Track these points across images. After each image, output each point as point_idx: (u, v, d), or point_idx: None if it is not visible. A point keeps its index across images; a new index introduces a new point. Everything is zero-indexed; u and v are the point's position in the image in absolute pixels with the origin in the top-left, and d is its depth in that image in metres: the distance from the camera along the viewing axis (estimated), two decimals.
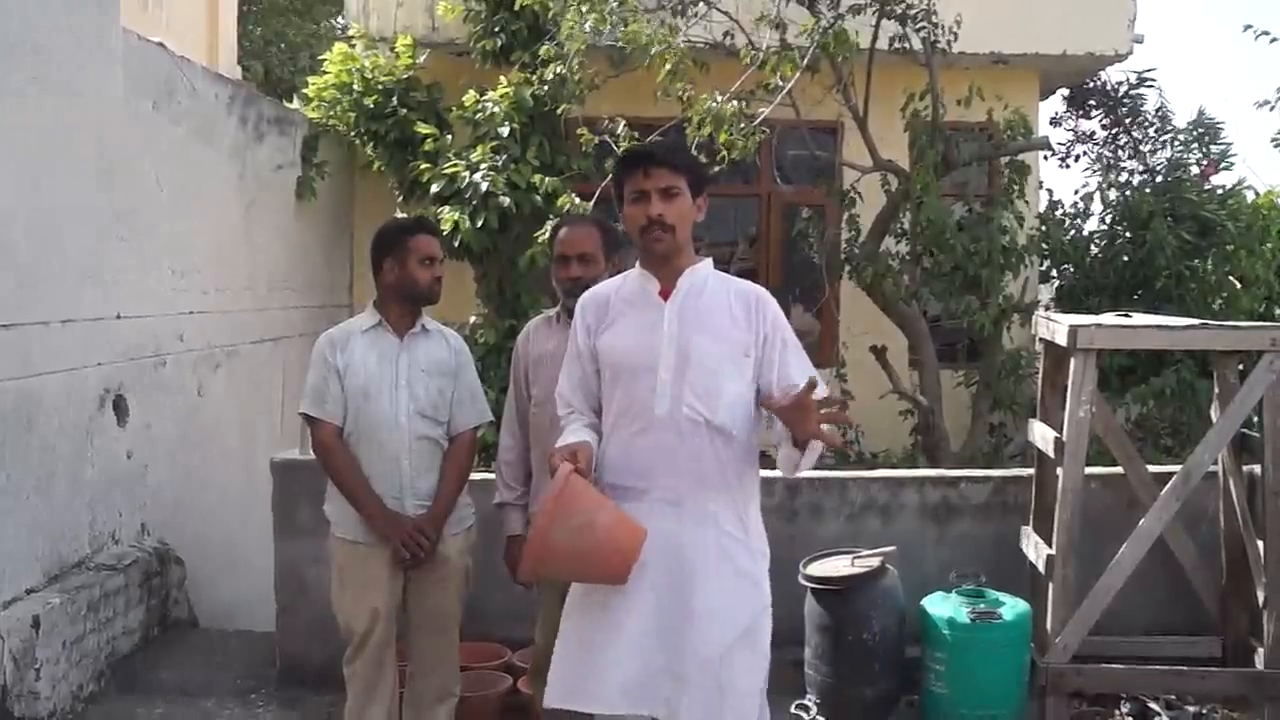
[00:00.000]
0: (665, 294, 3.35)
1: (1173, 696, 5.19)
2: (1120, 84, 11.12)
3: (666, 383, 3.26)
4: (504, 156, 8.56)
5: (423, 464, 4.21)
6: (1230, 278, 9.27)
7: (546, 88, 8.23)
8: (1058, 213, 10.05)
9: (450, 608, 4.32)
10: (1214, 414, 5.26)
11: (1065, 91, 11.51)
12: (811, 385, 3.06)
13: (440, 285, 4.29)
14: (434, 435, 4.24)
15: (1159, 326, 5.24)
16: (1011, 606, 4.98)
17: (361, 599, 4.18)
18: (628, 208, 3.34)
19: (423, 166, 8.68)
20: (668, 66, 7.31)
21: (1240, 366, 5.23)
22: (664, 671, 3.21)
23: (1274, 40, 8.39)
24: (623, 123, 7.63)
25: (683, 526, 3.24)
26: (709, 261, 3.46)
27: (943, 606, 5.02)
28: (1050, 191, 10.23)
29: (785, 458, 3.25)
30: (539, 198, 8.33)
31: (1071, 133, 11.57)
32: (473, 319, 8.80)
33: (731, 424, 3.27)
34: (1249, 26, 8.35)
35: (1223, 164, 10.37)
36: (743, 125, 7.22)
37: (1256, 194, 10.24)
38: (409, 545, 4.10)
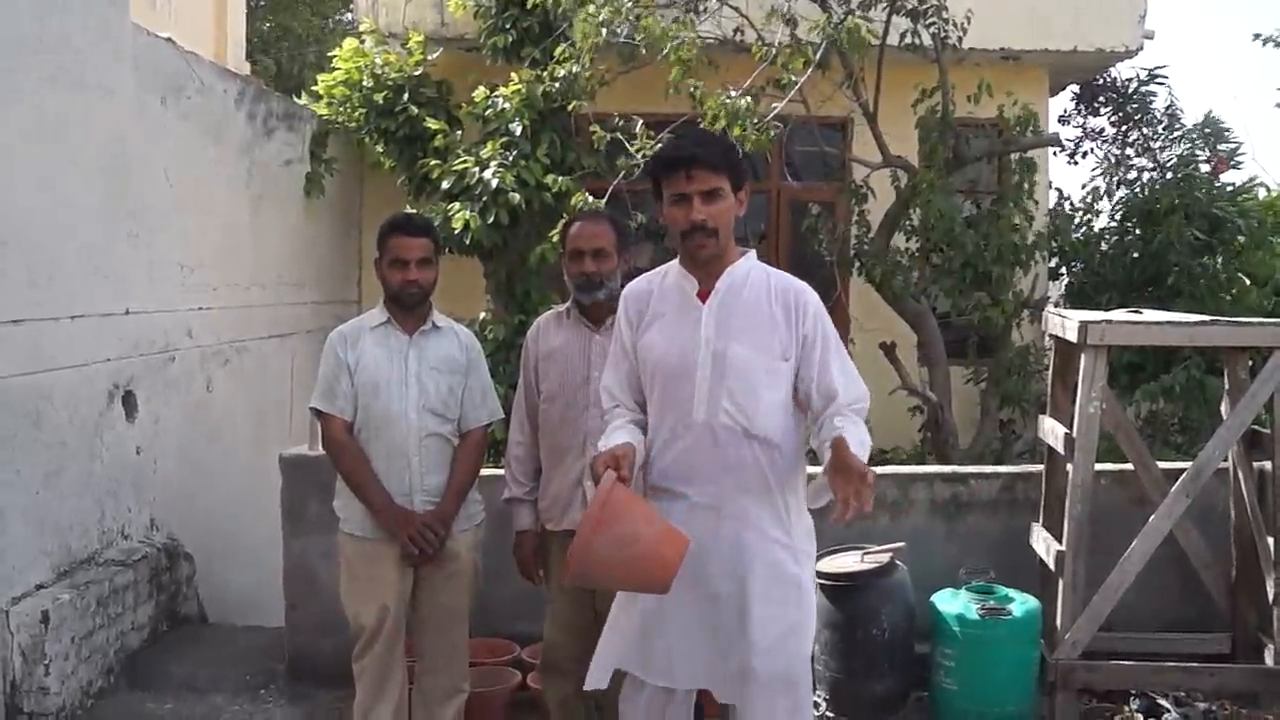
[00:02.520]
0: (704, 295, 3.31)
1: (1182, 693, 5.17)
2: (1130, 81, 11.10)
3: (704, 389, 3.23)
4: (514, 153, 8.55)
5: (432, 461, 4.20)
6: (1240, 274, 9.25)
7: (557, 84, 8.23)
8: (1066, 207, 10.03)
9: (459, 604, 4.31)
10: (1224, 410, 5.25)
11: (1075, 88, 11.48)
12: (841, 445, 2.97)
13: (416, 287, 4.18)
14: (443, 432, 4.23)
15: (1169, 323, 5.23)
16: (1021, 603, 4.97)
17: (370, 595, 4.18)
18: (669, 209, 3.28)
19: (432, 163, 8.68)
20: (681, 59, 7.28)
21: (1250, 363, 5.22)
22: (726, 662, 3.26)
23: None
24: (640, 122, 7.62)
25: (723, 531, 3.22)
26: (752, 255, 3.40)
27: (952, 603, 5.01)
28: (1060, 191, 10.24)
29: (815, 491, 3.26)
30: (549, 195, 8.33)
31: (1080, 129, 11.55)
32: (482, 315, 8.80)
33: (769, 431, 3.24)
34: (1257, 35, 8.35)
35: (1233, 161, 10.34)
36: (756, 120, 7.20)
37: (1268, 190, 10.20)
38: (417, 541, 4.10)
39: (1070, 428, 5.04)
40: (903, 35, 7.82)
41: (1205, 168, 10.20)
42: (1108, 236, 10.05)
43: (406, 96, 9.10)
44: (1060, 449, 5.14)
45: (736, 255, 3.36)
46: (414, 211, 4.20)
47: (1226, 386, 5.23)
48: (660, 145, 3.43)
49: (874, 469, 3.00)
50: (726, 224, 3.27)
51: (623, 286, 3.65)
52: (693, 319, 3.29)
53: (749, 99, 7.28)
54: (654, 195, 3.38)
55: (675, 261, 3.41)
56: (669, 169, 3.27)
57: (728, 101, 7.15)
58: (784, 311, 3.29)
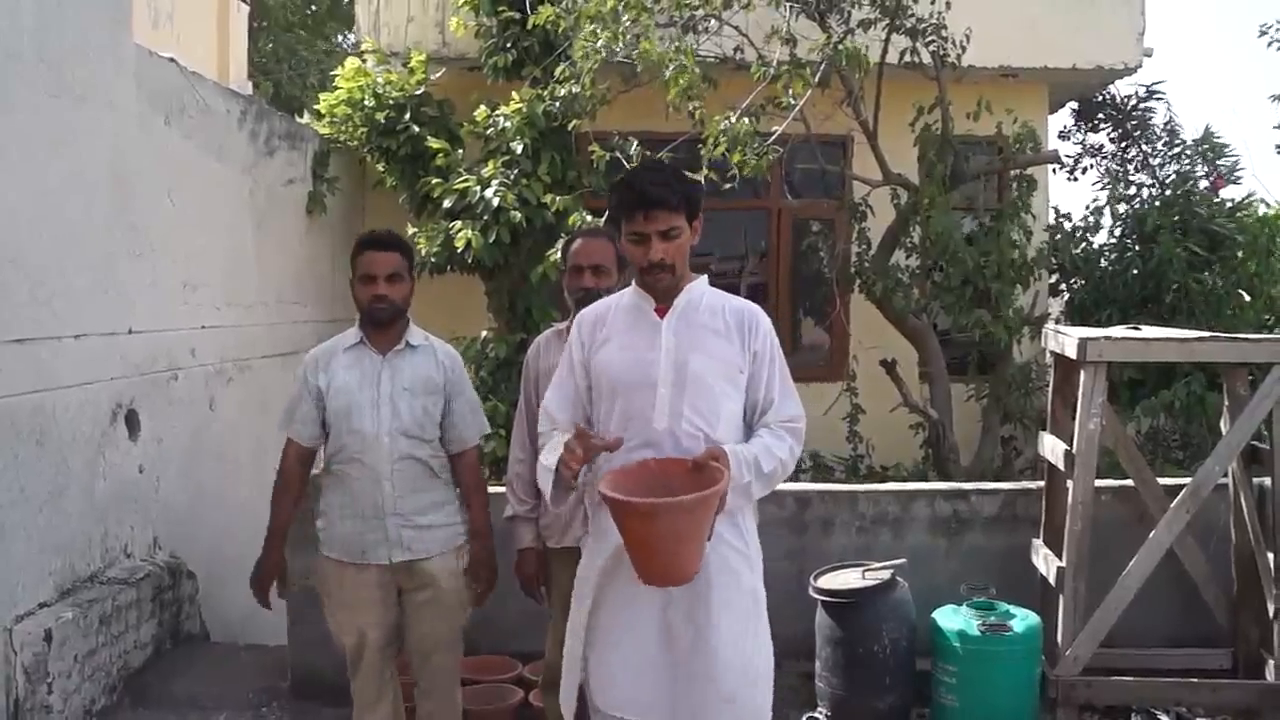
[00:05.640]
0: (661, 312, 3.38)
1: (1183, 709, 5.17)
2: (1129, 97, 11.12)
3: (665, 398, 3.27)
4: (515, 172, 8.58)
5: (407, 485, 4.12)
6: (1239, 290, 9.27)
7: (558, 103, 8.26)
8: (1067, 226, 10.05)
9: (440, 630, 4.24)
10: (1223, 426, 5.26)
11: (1074, 105, 11.51)
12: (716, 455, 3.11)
13: (386, 303, 4.11)
14: (419, 454, 4.14)
15: (1168, 339, 5.25)
16: (1022, 619, 4.98)
17: (348, 617, 4.20)
18: (627, 245, 3.36)
19: (434, 182, 8.71)
20: (680, 83, 7.30)
21: (1250, 378, 5.24)
22: (682, 675, 3.26)
23: None
24: (635, 142, 7.65)
25: None
26: (704, 279, 3.49)
27: (953, 619, 5.02)
28: (1056, 209, 10.25)
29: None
30: (550, 213, 8.36)
31: (1080, 146, 11.58)
32: (484, 333, 8.83)
33: (729, 440, 3.28)
34: (1264, 31, 8.33)
35: (1231, 177, 10.36)
36: (756, 145, 7.22)
37: (1267, 206, 10.22)
38: (252, 586, 4.25)
39: (1070, 444, 5.05)
40: (902, 53, 7.85)
41: (1204, 184, 10.22)
42: (1108, 253, 10.06)
43: (408, 116, 9.13)
44: (1060, 465, 5.15)
45: (691, 278, 3.45)
46: (388, 229, 4.18)
47: (1226, 402, 5.24)
48: (620, 179, 3.34)
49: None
50: (683, 258, 3.36)
51: None
52: (651, 332, 3.35)
53: (748, 119, 7.30)
54: (615, 227, 3.46)
55: (631, 286, 3.48)
56: (626, 209, 3.32)
57: (728, 126, 7.17)
58: (738, 328, 3.38)
